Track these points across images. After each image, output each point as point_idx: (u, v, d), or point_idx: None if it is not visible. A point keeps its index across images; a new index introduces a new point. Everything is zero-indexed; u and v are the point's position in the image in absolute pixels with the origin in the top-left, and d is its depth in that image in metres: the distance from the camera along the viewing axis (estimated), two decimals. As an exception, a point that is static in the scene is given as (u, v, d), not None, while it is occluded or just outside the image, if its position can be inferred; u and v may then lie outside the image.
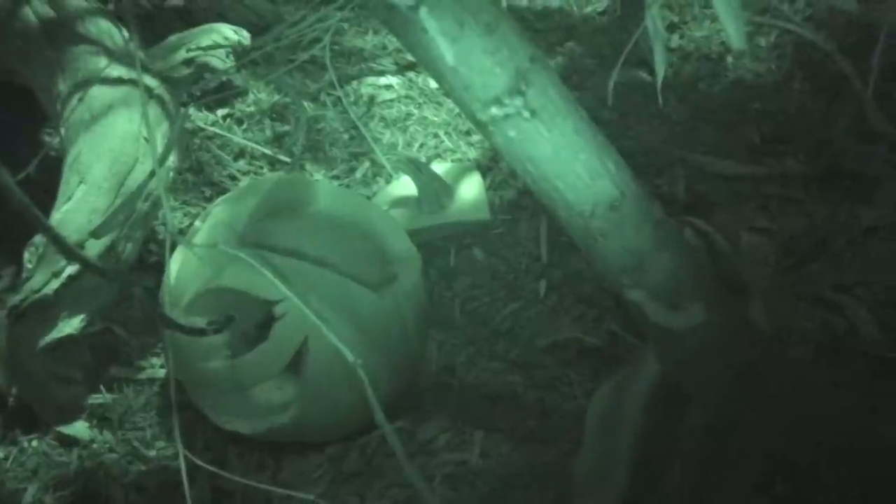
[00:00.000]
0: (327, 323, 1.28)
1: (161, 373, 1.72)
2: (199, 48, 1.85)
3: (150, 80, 1.67)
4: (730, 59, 2.10)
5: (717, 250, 1.20)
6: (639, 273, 1.02)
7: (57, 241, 1.21)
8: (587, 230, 0.99)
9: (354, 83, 2.15)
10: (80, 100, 1.67)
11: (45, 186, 1.62)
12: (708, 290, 1.06)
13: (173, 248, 1.58)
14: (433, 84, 2.11)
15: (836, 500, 1.13)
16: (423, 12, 0.88)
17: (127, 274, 1.61)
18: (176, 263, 1.56)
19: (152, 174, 1.53)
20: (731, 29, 0.76)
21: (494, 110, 0.94)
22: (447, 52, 0.91)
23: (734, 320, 1.11)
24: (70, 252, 1.30)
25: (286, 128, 2.08)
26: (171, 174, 1.71)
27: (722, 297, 1.09)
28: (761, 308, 1.21)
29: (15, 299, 1.55)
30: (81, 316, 1.59)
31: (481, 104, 0.94)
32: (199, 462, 1.31)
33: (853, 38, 1.94)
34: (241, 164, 2.04)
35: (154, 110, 1.66)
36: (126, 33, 1.81)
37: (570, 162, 0.96)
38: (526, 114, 0.93)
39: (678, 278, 1.03)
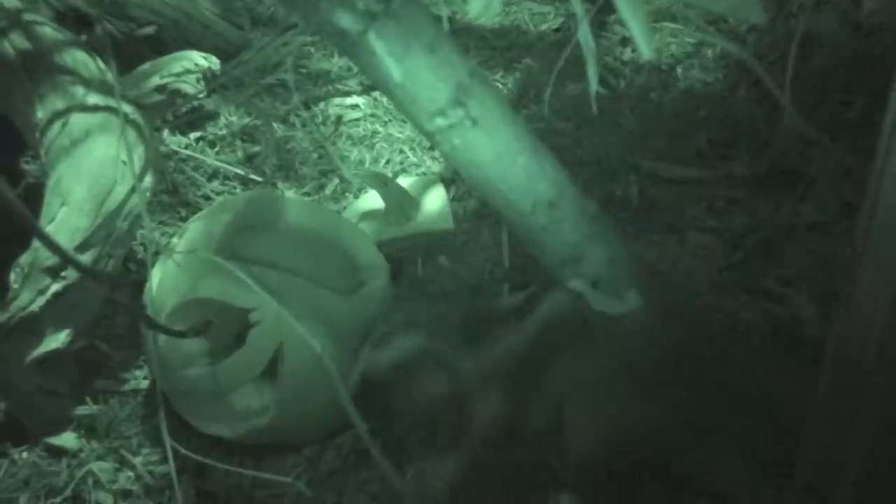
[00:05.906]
0: (300, 326, 1.36)
1: (144, 384, 1.79)
2: (171, 75, 1.89)
3: (126, 107, 1.75)
4: (679, 70, 2.19)
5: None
6: (578, 264, 1.10)
7: (54, 247, 1.29)
8: (529, 227, 1.08)
9: (322, 104, 2.22)
10: (61, 127, 1.74)
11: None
12: (640, 278, 1.15)
13: (156, 256, 1.65)
14: (396, 102, 2.18)
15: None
16: (372, 36, 0.97)
17: (116, 278, 1.68)
18: (156, 278, 1.63)
19: (132, 191, 1.60)
20: (640, 39, 0.84)
21: (440, 121, 1.02)
22: (395, 70, 0.99)
23: (667, 306, 1.21)
24: (66, 257, 1.39)
25: (257, 149, 2.15)
26: (148, 195, 1.79)
27: (653, 284, 1.18)
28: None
29: (3, 317, 1.62)
30: (67, 331, 1.65)
31: (428, 116, 1.02)
32: (190, 455, 1.37)
33: (781, 48, 2.04)
34: (215, 184, 2.11)
35: (130, 135, 1.74)
36: (100, 63, 1.88)
37: (510, 165, 1.04)
38: (468, 123, 1.02)
39: (613, 268, 1.12)
